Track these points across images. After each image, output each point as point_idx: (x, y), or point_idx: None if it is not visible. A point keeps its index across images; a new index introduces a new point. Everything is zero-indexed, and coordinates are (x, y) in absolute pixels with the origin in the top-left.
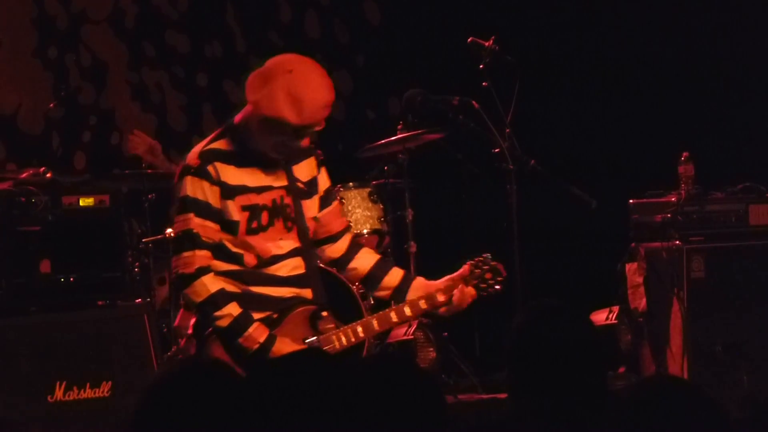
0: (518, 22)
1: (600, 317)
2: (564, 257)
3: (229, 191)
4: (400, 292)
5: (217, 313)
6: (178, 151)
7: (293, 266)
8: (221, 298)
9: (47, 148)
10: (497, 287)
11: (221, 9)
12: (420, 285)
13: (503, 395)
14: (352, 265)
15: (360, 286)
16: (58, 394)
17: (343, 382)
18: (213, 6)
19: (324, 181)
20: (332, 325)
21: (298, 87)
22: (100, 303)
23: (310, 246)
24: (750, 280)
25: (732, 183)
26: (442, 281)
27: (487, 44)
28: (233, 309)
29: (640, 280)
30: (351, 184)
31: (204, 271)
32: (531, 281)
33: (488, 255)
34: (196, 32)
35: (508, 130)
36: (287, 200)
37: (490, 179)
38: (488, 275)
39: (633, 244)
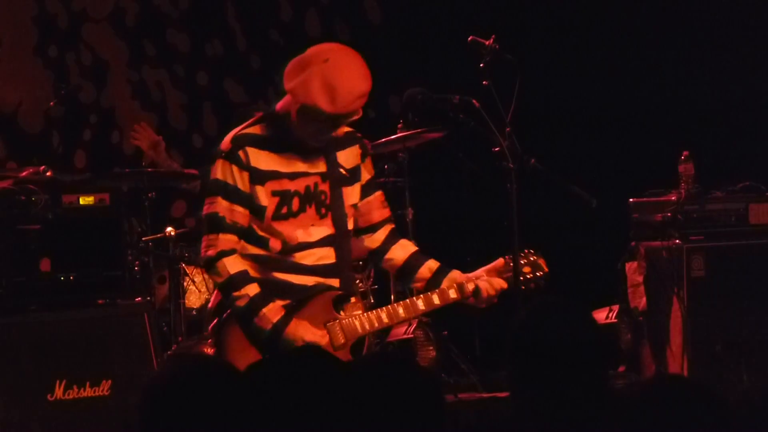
0: (518, 21)
1: (600, 316)
2: (564, 256)
3: (259, 176)
4: (434, 284)
5: (236, 294)
6: (178, 150)
7: (322, 255)
8: (241, 279)
9: (47, 146)
10: (537, 282)
11: (222, 8)
12: (453, 277)
13: (503, 394)
14: (389, 255)
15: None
16: (58, 392)
17: (342, 380)
18: (213, 5)
19: (368, 171)
20: (359, 311)
21: (333, 76)
22: (100, 301)
23: (345, 234)
24: (750, 279)
25: (732, 182)
26: (476, 273)
27: (487, 43)
28: (251, 290)
29: (640, 279)
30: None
31: (225, 254)
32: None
33: (531, 250)
34: (196, 31)
35: (508, 129)
36: (323, 187)
37: (491, 178)
38: (527, 269)
39: (633, 243)
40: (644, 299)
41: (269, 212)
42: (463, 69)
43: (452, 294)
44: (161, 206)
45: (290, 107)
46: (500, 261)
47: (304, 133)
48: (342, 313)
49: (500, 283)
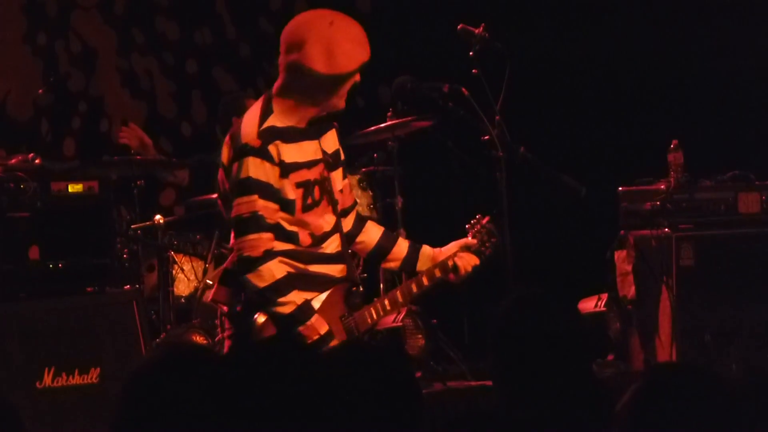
0: (508, 10)
1: (589, 305)
2: (553, 245)
3: (286, 170)
4: (408, 263)
5: (281, 300)
6: (167, 138)
7: (336, 243)
8: (285, 284)
9: (36, 134)
10: (492, 249)
11: None
12: (427, 253)
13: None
14: (360, 238)
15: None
16: (47, 380)
17: (316, 370)
18: None
19: (343, 154)
20: (359, 300)
21: (335, 37)
22: (88, 289)
23: (340, 220)
24: (739, 268)
25: (721, 171)
26: (447, 248)
27: (477, 31)
28: (296, 297)
29: (629, 267)
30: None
31: (270, 254)
32: (520, 269)
33: (479, 216)
34: (185, 19)
35: (497, 117)
36: (326, 173)
37: (480, 166)
38: (484, 238)
39: (622, 232)
40: (633, 288)
41: (298, 205)
42: (453, 57)
43: (437, 273)
44: (150, 194)
45: (290, 84)
46: (469, 237)
47: (307, 110)
48: (352, 305)
49: (473, 259)
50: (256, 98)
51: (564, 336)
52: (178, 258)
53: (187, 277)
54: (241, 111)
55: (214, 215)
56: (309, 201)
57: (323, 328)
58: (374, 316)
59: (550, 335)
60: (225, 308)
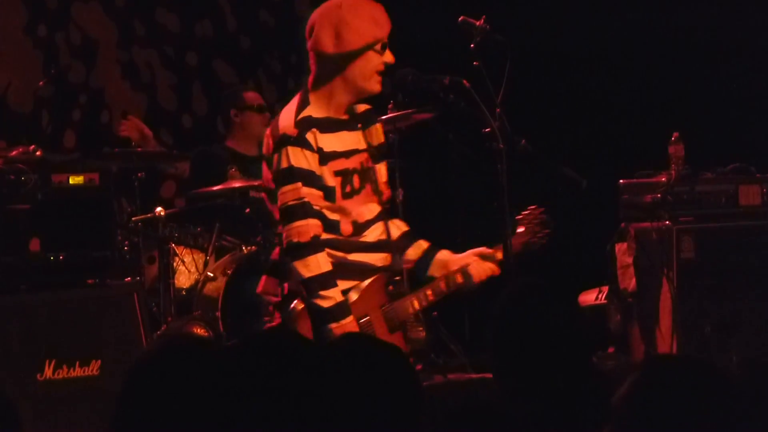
0: (509, 1)
1: (589, 297)
2: (554, 237)
3: (324, 157)
4: (420, 266)
5: (323, 293)
6: (167, 130)
7: (380, 231)
8: (330, 279)
9: (37, 126)
10: (542, 240)
11: None
12: (441, 259)
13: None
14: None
15: None
16: (48, 372)
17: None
18: None
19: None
20: (402, 290)
21: (341, 16)
22: (89, 282)
23: (387, 210)
24: (740, 261)
25: (722, 163)
26: (464, 256)
27: (477, 23)
28: (337, 294)
29: (630, 260)
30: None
31: (318, 241)
32: (521, 261)
33: (533, 207)
34: (186, 11)
35: (498, 110)
36: (370, 163)
37: (481, 159)
38: (536, 228)
39: (623, 225)
40: (634, 280)
41: (338, 192)
42: (454, 50)
43: (458, 278)
44: (151, 186)
45: (321, 74)
46: (492, 251)
47: (340, 98)
48: (393, 294)
49: (492, 268)
50: (257, 91)
51: (564, 328)
52: (179, 250)
53: (187, 269)
54: (241, 104)
55: (214, 207)
56: (348, 189)
57: (354, 330)
58: (416, 305)
59: (550, 328)
60: (274, 299)
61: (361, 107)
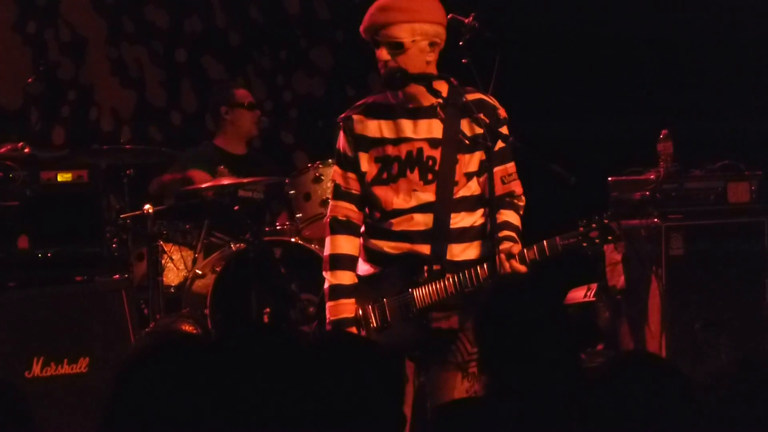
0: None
1: (578, 295)
2: (542, 234)
3: (365, 143)
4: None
5: (325, 274)
6: (157, 127)
7: (418, 221)
8: (335, 261)
9: (26, 123)
10: (600, 246)
11: None
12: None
13: None
14: None
15: None
16: (36, 369)
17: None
18: None
19: (491, 140)
20: (440, 278)
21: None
22: (78, 279)
23: (449, 202)
24: (728, 258)
25: (711, 161)
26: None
27: (467, 21)
28: (333, 277)
29: (619, 257)
30: (330, 160)
31: (339, 225)
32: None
33: (599, 216)
34: (175, 7)
35: None
36: (431, 152)
37: None
38: (603, 233)
39: None
40: (623, 278)
41: (369, 177)
42: (443, 47)
43: (481, 272)
44: (140, 183)
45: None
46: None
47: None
48: (415, 281)
49: (519, 268)
50: (246, 87)
51: (546, 324)
52: (168, 247)
53: (176, 266)
54: (231, 101)
55: (203, 205)
56: (384, 176)
57: (341, 313)
58: (434, 295)
59: (532, 323)
60: None
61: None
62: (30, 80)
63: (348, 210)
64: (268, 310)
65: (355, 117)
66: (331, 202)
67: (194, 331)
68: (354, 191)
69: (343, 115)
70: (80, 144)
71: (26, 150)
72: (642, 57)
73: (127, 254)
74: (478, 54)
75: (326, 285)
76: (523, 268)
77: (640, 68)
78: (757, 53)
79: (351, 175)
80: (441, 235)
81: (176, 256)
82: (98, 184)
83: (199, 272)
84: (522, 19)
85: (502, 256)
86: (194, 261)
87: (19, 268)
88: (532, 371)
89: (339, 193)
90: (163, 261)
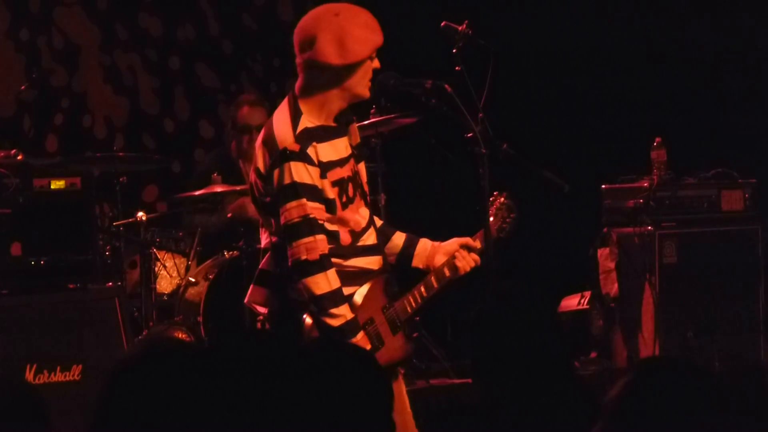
0: (492, 7)
1: (572, 302)
2: (536, 242)
3: (324, 169)
4: (404, 256)
5: (333, 311)
6: (150, 135)
7: (373, 235)
8: (340, 296)
9: (19, 130)
10: (512, 226)
11: None
12: (423, 248)
13: None
14: None
15: None
16: (29, 377)
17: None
18: None
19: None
20: (397, 289)
21: (343, 27)
22: (71, 286)
23: (372, 211)
24: (721, 266)
25: (704, 169)
26: (449, 244)
27: (460, 28)
28: (347, 311)
29: (612, 265)
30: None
31: (328, 262)
32: (503, 266)
33: (496, 193)
34: (168, 15)
35: (480, 114)
36: (356, 168)
37: (463, 163)
38: (504, 214)
39: (605, 229)
40: (616, 285)
41: (338, 203)
42: (436, 54)
43: (446, 272)
44: (132, 191)
45: (310, 82)
46: (473, 241)
47: (332, 105)
48: (391, 296)
49: (475, 260)
50: (242, 95)
51: (540, 332)
52: (161, 255)
53: (169, 274)
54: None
55: (197, 213)
56: (344, 199)
57: (366, 347)
58: (413, 304)
59: (526, 331)
60: (262, 309)
61: None
62: (23, 87)
63: (326, 244)
64: (260, 317)
65: (315, 144)
66: (310, 239)
67: (187, 339)
68: (323, 221)
69: (293, 147)
70: (73, 151)
71: (19, 157)
72: (636, 63)
73: (120, 262)
74: (472, 62)
75: (339, 322)
76: (479, 261)
77: (633, 75)
78: (751, 62)
79: (320, 206)
80: (381, 244)
81: (169, 264)
82: (91, 192)
83: (192, 280)
84: (515, 27)
85: (463, 253)
86: (187, 268)
87: (12, 275)
88: (529, 380)
89: (318, 227)
90: (156, 268)
